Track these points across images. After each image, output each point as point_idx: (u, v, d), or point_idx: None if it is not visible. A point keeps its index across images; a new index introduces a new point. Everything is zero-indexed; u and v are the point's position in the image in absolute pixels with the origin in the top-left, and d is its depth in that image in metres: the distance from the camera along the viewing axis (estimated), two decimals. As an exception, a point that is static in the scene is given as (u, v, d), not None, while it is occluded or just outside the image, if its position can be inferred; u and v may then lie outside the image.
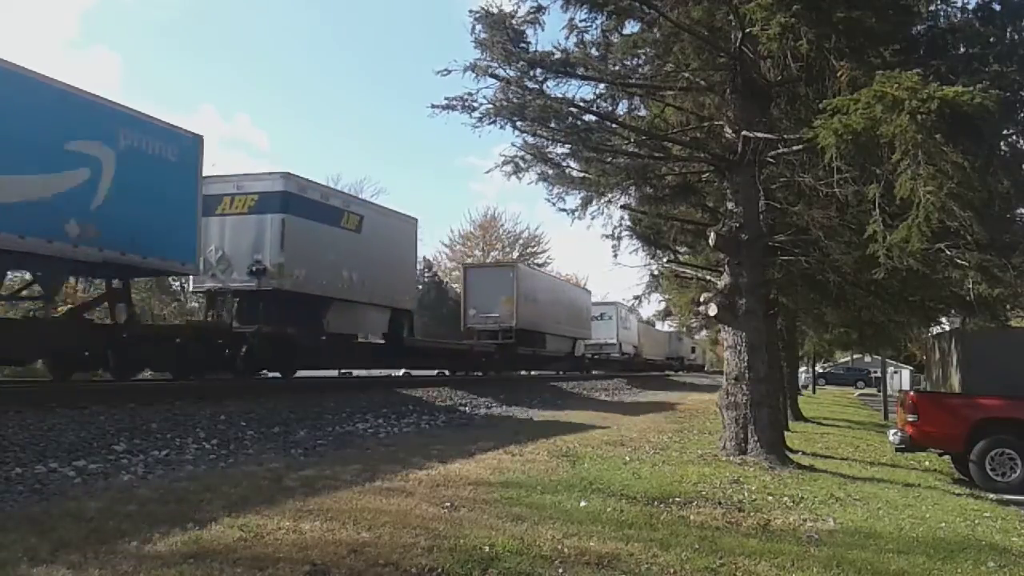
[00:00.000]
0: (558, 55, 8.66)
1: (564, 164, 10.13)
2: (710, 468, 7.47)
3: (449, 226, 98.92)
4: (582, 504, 5.40)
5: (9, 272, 11.10)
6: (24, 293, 12.25)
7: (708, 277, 11.26)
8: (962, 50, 7.55)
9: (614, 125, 9.70)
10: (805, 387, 33.36)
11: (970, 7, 7.79)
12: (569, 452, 8.07)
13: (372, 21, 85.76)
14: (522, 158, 9.63)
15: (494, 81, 8.34)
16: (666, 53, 8.84)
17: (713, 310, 8.50)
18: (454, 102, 8.42)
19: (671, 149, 9.91)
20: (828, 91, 6.77)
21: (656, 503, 5.67)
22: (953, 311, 11.77)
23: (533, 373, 29.16)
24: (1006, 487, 8.82)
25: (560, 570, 3.86)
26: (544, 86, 8.62)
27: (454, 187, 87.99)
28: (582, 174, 10.35)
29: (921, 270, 7.02)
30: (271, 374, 15.28)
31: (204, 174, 12.84)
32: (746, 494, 6.29)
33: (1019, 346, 10.31)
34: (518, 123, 8.82)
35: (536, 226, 76.60)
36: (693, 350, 61.84)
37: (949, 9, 7.90)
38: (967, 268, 7.81)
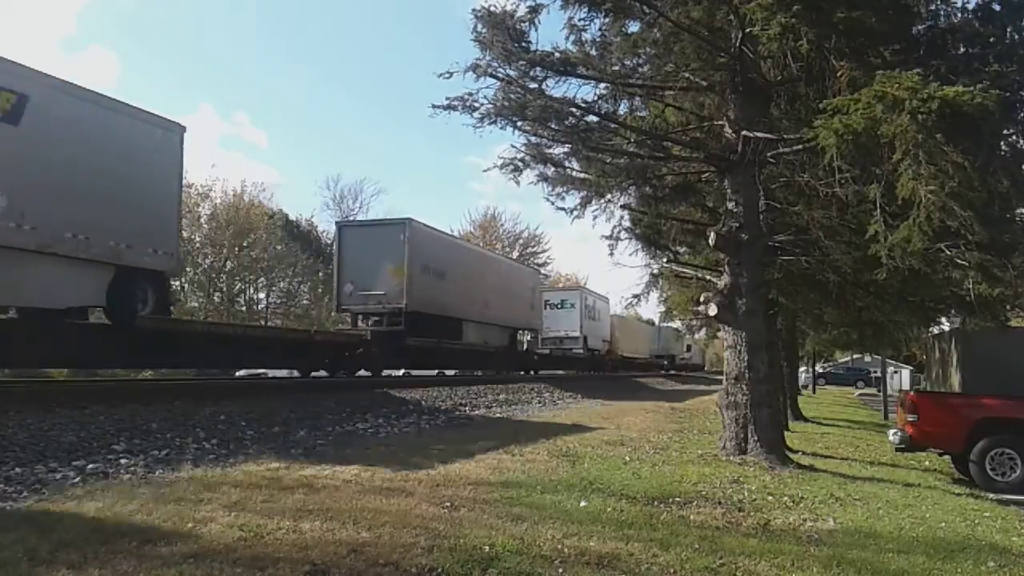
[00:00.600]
0: (558, 55, 8.66)
1: (564, 164, 10.13)
2: (710, 468, 7.47)
3: (449, 226, 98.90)
4: (582, 504, 5.40)
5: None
6: None
7: (708, 277, 11.25)
8: (962, 50, 7.54)
9: (614, 125, 9.70)
10: (805, 387, 33.35)
11: (970, 7, 7.79)
12: (569, 452, 8.07)
13: (372, 21, 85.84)
14: (522, 159, 9.64)
15: (494, 81, 8.36)
16: (666, 53, 8.84)
17: (713, 310, 8.50)
18: (455, 102, 8.44)
19: (671, 149, 9.91)
20: (828, 91, 6.78)
21: (656, 503, 5.67)
22: (953, 311, 11.76)
23: (449, 373, 22.82)
24: (1006, 487, 8.82)
25: (560, 570, 3.86)
26: (544, 86, 8.64)
27: (454, 187, 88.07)
28: (582, 174, 10.35)
29: (922, 270, 7.02)
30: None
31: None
32: (746, 494, 6.29)
33: (1019, 346, 10.32)
34: (519, 123, 8.83)
35: (536, 226, 76.65)
36: (689, 348, 55.96)
37: (949, 9, 7.89)
38: (967, 268, 7.81)
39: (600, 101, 9.72)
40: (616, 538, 4.48)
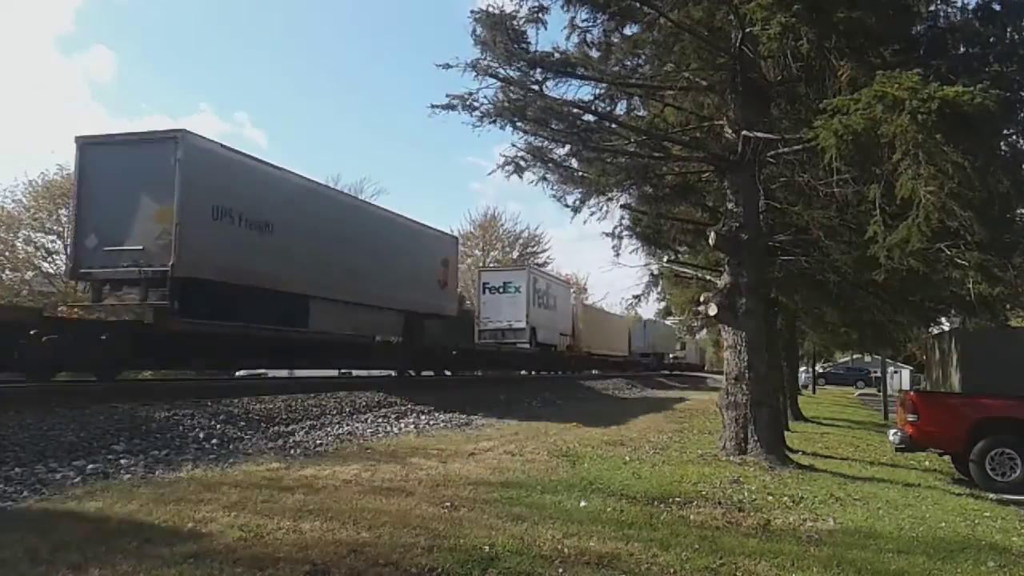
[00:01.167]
0: (558, 55, 8.68)
1: (564, 164, 10.14)
2: (710, 468, 7.47)
3: (449, 226, 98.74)
4: (582, 504, 5.40)
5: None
6: None
7: (708, 277, 11.26)
8: (962, 50, 7.56)
9: (614, 125, 9.70)
10: (805, 387, 33.31)
11: (970, 7, 7.81)
12: (569, 452, 8.07)
13: (372, 20, 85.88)
14: (523, 158, 9.64)
15: (494, 81, 8.36)
16: (666, 53, 8.85)
17: (713, 310, 8.51)
18: (454, 101, 8.44)
19: (671, 149, 9.91)
20: (828, 91, 6.77)
21: (656, 503, 5.67)
22: (953, 311, 11.77)
23: (300, 373, 18.00)
24: (1006, 487, 8.82)
25: (560, 570, 3.86)
26: (544, 86, 8.64)
27: (454, 187, 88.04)
28: (582, 174, 10.35)
29: (921, 270, 7.03)
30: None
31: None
32: (746, 494, 6.29)
33: (1019, 346, 10.32)
34: (518, 123, 8.83)
35: (536, 226, 76.52)
36: (683, 345, 49.65)
37: (949, 9, 7.92)
38: (967, 268, 7.81)
39: (597, 100, 9.75)
40: (616, 538, 4.48)
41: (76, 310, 14.33)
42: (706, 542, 4.55)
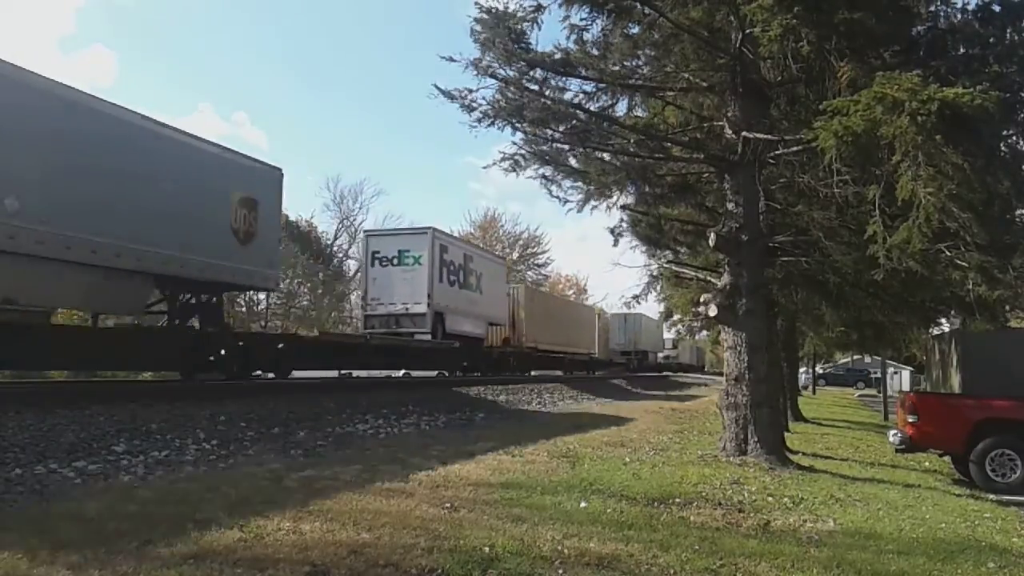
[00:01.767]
0: (558, 55, 8.68)
1: (563, 163, 10.13)
2: (710, 469, 7.47)
3: (449, 226, 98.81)
4: (582, 505, 5.40)
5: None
6: None
7: (708, 277, 11.26)
8: (962, 51, 7.57)
9: (614, 126, 9.70)
10: (805, 388, 33.29)
11: (970, 8, 7.82)
12: (569, 453, 8.07)
13: (372, 20, 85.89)
14: (522, 155, 9.65)
15: (493, 82, 8.38)
16: (666, 54, 8.86)
17: (713, 310, 8.51)
18: (455, 91, 8.47)
19: (671, 149, 9.92)
20: (828, 92, 6.78)
21: (656, 504, 5.67)
22: (953, 312, 11.77)
23: None
24: (1006, 488, 8.82)
25: (560, 571, 3.86)
26: (543, 87, 8.64)
27: (454, 187, 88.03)
28: (582, 172, 10.35)
29: (921, 271, 7.03)
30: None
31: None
32: (746, 495, 6.29)
33: (1019, 346, 10.33)
34: (516, 124, 8.84)
35: (536, 226, 76.52)
36: (675, 344, 43.64)
37: (949, 10, 7.92)
38: (967, 269, 7.81)
39: (592, 100, 9.73)
40: (616, 539, 4.48)
41: None
42: (706, 543, 4.55)
